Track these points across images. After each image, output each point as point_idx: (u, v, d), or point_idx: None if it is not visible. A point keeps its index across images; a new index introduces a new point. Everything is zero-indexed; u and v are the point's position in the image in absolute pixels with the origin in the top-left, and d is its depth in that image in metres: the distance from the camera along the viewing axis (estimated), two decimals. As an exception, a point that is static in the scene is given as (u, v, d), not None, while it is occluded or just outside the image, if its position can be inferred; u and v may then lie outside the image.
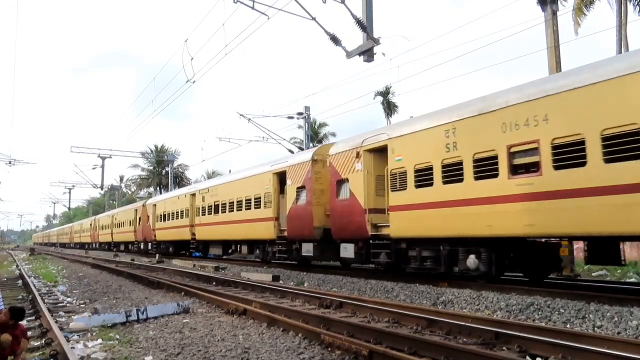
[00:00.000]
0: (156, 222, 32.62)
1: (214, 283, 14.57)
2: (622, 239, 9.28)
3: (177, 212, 29.00)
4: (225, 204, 22.52)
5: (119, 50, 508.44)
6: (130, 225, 39.54)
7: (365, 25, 11.38)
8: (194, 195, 26.88)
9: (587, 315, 7.60)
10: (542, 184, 9.02)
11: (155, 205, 33.69)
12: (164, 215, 31.21)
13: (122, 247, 44.37)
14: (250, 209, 20.00)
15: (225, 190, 23.02)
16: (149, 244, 34.96)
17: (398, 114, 44.47)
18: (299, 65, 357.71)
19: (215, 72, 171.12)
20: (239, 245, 22.18)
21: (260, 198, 19.21)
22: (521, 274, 11.88)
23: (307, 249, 16.34)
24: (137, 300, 11.45)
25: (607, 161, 8.06)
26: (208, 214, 24.39)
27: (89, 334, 7.64)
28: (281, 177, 18.04)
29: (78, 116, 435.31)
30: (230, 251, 23.63)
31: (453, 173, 10.78)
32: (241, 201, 20.88)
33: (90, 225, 58.25)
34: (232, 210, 21.70)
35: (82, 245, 61.34)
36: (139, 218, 36.99)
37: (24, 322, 6.14)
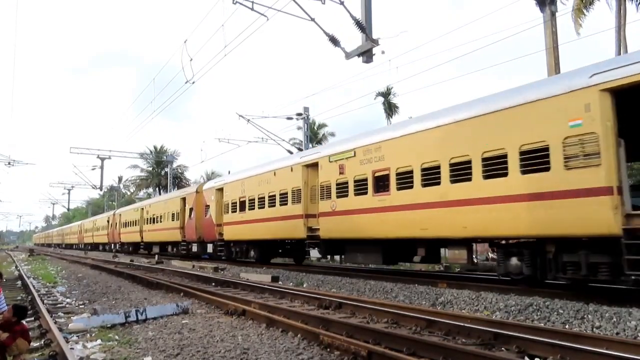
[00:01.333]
0: (223, 214, 23.23)
1: (213, 284, 14.56)
2: None
3: (270, 196, 19.11)
4: (409, 172, 12.13)
5: (118, 50, 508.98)
6: (173, 219, 29.27)
7: (364, 26, 11.42)
8: (312, 166, 16.59)
9: (585, 316, 7.61)
10: None
11: (221, 189, 23.77)
12: (241, 203, 21.46)
13: (155, 249, 34.47)
14: (503, 174, 9.85)
15: (405, 146, 12.46)
16: (209, 245, 25.20)
17: (399, 115, 44.61)
18: (298, 66, 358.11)
19: (214, 73, 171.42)
20: (433, 249, 12.74)
21: (545, 152, 9.12)
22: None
23: None
24: (136, 301, 11.45)
25: None
26: (357, 194, 14.00)
27: (88, 334, 7.65)
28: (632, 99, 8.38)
29: (78, 116, 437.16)
30: (418, 259, 13.09)
31: None
32: (466, 163, 10.67)
33: (108, 221, 47.03)
34: (437, 182, 11.31)
35: (95, 247, 53.96)
36: (190, 209, 27.03)
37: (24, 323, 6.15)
